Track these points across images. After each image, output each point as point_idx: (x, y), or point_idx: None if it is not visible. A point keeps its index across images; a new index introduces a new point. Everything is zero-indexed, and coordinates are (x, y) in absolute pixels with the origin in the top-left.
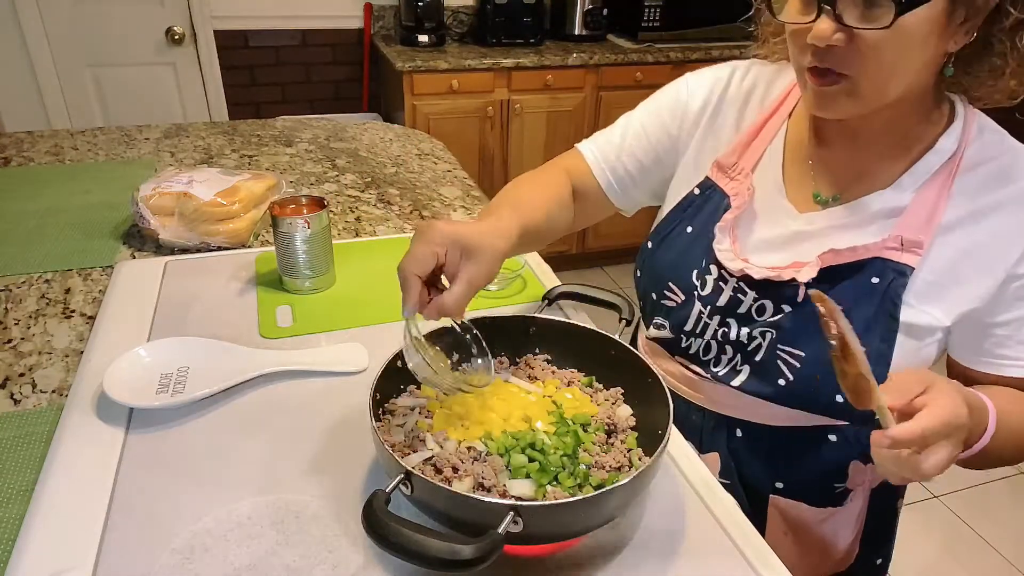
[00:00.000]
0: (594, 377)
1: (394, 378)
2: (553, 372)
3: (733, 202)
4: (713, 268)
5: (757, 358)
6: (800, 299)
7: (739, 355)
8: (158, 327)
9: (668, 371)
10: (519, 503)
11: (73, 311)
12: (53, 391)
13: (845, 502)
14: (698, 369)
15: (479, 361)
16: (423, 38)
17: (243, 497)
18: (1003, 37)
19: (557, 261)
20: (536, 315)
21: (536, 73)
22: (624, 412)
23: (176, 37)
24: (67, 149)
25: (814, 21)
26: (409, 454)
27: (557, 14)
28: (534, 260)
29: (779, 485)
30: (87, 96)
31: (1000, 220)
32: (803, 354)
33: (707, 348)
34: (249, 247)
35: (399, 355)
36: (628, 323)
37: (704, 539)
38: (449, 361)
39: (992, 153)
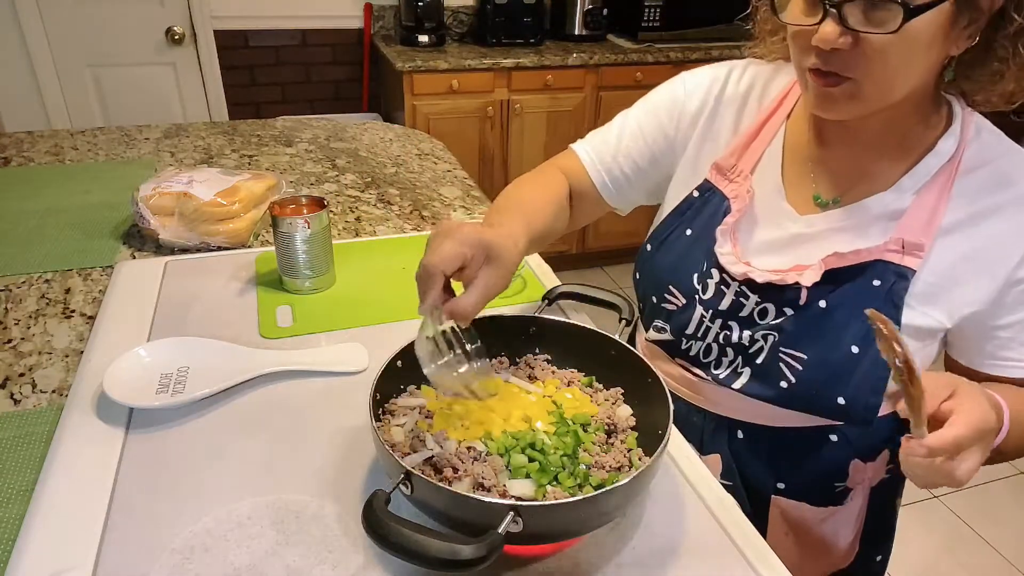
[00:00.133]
0: (594, 377)
1: (394, 378)
2: (553, 372)
3: (733, 205)
4: (714, 271)
5: (759, 361)
6: (802, 302)
7: (740, 358)
8: (158, 327)
9: (668, 373)
10: (519, 503)
11: (73, 311)
12: (53, 391)
13: (845, 501)
14: (699, 371)
15: (477, 364)
16: (423, 38)
17: (243, 497)
18: (1005, 42)
19: (557, 261)
20: (536, 315)
21: (536, 73)
22: (624, 412)
23: (176, 37)
24: (67, 149)
25: (819, 23)
26: (409, 454)
27: (557, 14)
28: (534, 260)
29: (781, 485)
30: (87, 96)
31: (1000, 223)
32: (805, 357)
33: (708, 351)
34: (249, 247)
35: (399, 355)
36: (628, 323)
37: (704, 539)
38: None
39: (991, 155)
